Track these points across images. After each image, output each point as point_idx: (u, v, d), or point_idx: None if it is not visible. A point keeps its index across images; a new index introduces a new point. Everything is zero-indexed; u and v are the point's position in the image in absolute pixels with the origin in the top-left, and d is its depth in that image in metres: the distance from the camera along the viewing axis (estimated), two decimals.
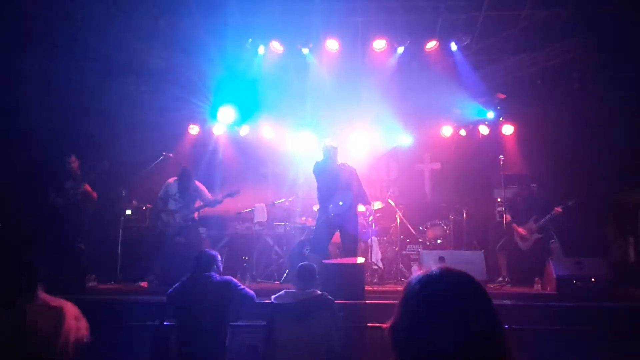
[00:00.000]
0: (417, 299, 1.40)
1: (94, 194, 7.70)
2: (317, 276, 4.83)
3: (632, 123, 8.51)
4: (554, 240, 7.56)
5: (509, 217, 7.98)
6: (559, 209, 7.45)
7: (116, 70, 9.13)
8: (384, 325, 1.42)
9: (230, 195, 7.95)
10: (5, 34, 7.89)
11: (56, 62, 8.36)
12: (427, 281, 1.41)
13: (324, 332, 4.40)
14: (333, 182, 7.17)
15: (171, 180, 8.01)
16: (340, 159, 7.44)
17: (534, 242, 7.67)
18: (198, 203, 7.93)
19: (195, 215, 8.01)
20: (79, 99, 8.89)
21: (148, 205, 8.71)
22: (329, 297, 4.65)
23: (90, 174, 7.71)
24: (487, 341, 1.31)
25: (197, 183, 8.03)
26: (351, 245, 7.13)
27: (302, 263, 4.99)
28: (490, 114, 10.09)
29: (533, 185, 8.28)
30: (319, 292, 4.62)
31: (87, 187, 7.60)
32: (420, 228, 9.21)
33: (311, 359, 4.33)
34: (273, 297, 4.60)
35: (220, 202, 7.96)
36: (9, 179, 8.44)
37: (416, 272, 1.49)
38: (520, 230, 7.77)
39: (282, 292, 4.62)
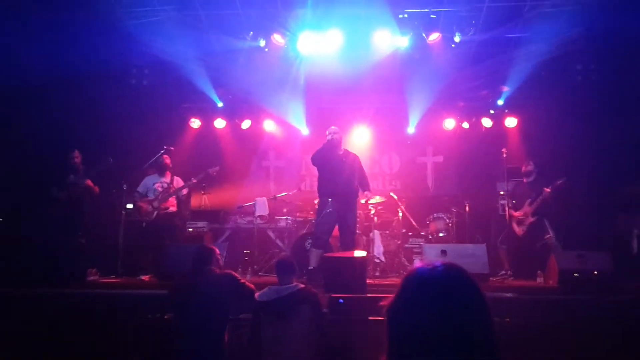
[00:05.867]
0: (415, 290, 1.41)
1: (96, 189, 7.74)
2: (297, 268, 4.85)
3: (635, 115, 8.45)
4: (549, 235, 7.55)
5: (509, 204, 8.06)
6: (548, 189, 7.53)
7: (118, 64, 9.09)
8: (382, 303, 1.44)
9: (207, 174, 7.99)
10: (12, 25, 7.89)
11: (60, 55, 8.33)
12: (428, 275, 1.42)
13: (308, 325, 4.40)
14: (334, 175, 7.10)
15: (150, 174, 8.14)
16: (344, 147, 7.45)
17: (528, 225, 7.76)
18: (171, 190, 7.99)
19: (174, 205, 8.03)
20: (82, 94, 8.87)
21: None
22: (313, 289, 4.66)
23: (93, 170, 7.73)
24: (478, 341, 1.32)
25: (176, 177, 8.13)
26: (350, 238, 7.10)
27: (280, 257, 5.01)
28: (494, 106, 10.07)
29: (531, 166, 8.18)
30: (302, 285, 4.62)
31: (89, 182, 7.65)
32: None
33: (297, 353, 4.33)
34: (256, 294, 4.58)
35: (196, 182, 8.07)
36: (11, 172, 8.44)
37: (419, 263, 1.49)
38: (516, 214, 7.89)
39: (266, 289, 4.61)
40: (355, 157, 7.41)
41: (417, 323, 1.34)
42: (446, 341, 1.29)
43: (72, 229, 7.44)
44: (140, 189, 8.03)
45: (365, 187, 7.43)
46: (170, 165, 8.19)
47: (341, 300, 5.67)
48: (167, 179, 8.07)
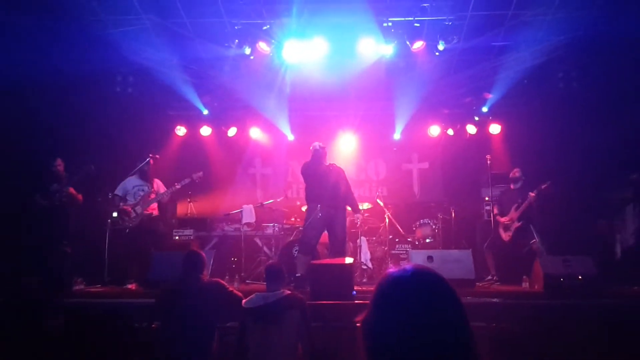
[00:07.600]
0: (387, 297, 1.40)
1: (79, 197, 7.64)
2: (286, 275, 4.85)
3: (614, 122, 8.58)
4: (534, 240, 7.63)
5: (495, 211, 8.18)
6: (533, 193, 7.64)
7: (103, 71, 9.05)
8: (357, 319, 1.41)
9: (192, 180, 7.95)
10: None
11: (44, 62, 8.27)
12: (398, 280, 1.42)
13: (295, 331, 4.40)
14: (321, 183, 7.26)
15: (130, 176, 7.96)
16: (329, 160, 7.64)
17: (514, 230, 7.83)
18: (153, 195, 7.87)
19: (155, 209, 7.96)
20: (65, 101, 8.80)
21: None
22: (299, 296, 4.66)
23: (74, 178, 7.64)
24: (454, 343, 1.31)
25: (156, 180, 8.04)
26: (339, 246, 7.16)
27: (269, 264, 5.01)
28: (478, 113, 10.18)
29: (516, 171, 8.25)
30: (289, 291, 4.62)
31: (72, 190, 7.55)
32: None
33: (284, 359, 4.33)
34: (244, 301, 4.58)
35: (180, 188, 7.94)
36: None
37: (390, 269, 1.48)
38: (503, 219, 7.96)
39: (253, 295, 4.60)
40: (341, 170, 7.61)
41: (391, 327, 1.33)
42: (421, 343, 1.29)
43: (56, 238, 7.35)
44: (118, 191, 7.83)
45: (353, 207, 7.67)
46: (152, 169, 8.01)
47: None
48: (149, 183, 7.91)
